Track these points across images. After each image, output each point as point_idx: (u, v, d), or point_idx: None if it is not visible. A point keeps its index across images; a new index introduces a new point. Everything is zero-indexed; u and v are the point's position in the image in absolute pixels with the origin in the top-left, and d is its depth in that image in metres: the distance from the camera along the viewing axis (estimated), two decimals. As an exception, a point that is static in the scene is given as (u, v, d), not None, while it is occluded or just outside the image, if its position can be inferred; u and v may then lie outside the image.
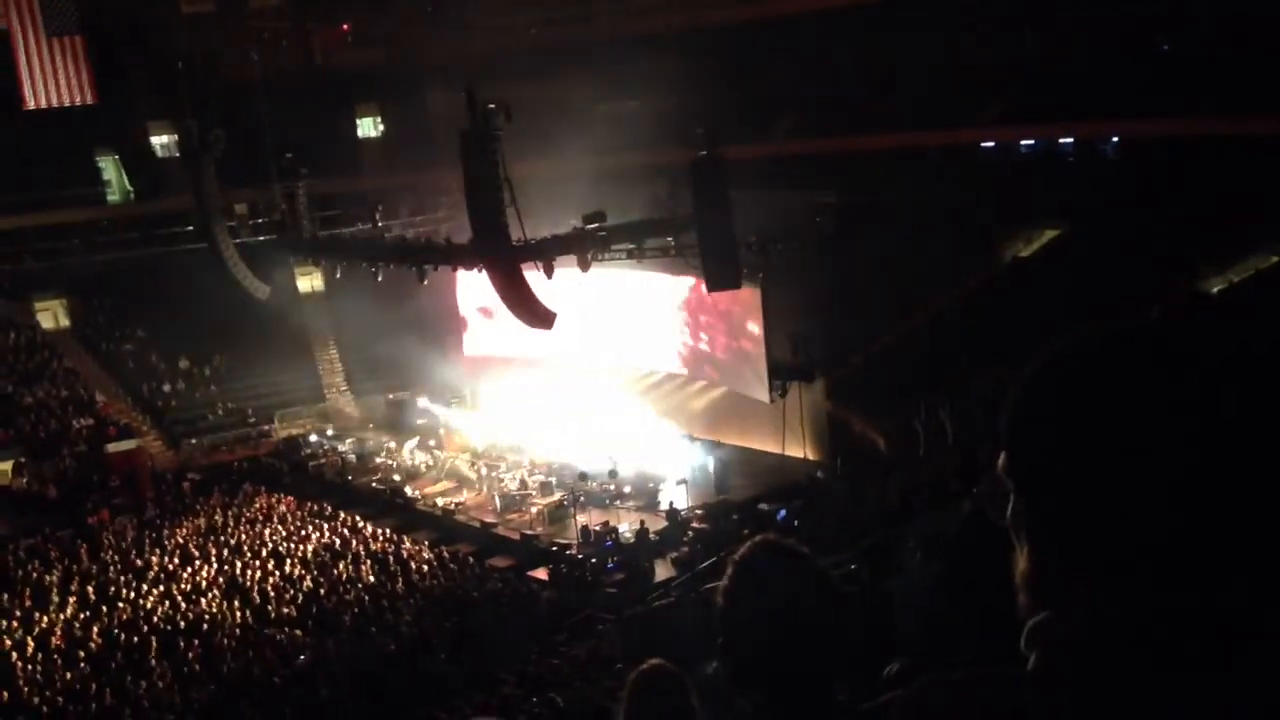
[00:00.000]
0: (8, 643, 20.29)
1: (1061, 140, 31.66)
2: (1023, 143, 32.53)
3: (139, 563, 24.53)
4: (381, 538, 25.39)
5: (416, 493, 28.76)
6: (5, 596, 22.88)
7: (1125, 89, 27.58)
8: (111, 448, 31.02)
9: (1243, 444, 0.94)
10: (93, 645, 20.09)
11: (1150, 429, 0.96)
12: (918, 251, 27.23)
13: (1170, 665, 0.95)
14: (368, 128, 44.63)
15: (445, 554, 24.28)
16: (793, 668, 1.87)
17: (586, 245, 23.29)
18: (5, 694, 18.18)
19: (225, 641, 19.91)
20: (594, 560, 22.94)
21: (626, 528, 24.15)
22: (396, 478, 29.96)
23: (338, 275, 32.46)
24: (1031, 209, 28.99)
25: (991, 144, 32.89)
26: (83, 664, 19.32)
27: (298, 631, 20.22)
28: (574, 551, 23.60)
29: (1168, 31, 28.45)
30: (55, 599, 22.65)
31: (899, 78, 32.34)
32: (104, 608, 21.97)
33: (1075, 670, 0.99)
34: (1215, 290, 23.69)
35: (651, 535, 23.63)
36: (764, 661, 1.90)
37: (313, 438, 33.48)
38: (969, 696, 1.07)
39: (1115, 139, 30.39)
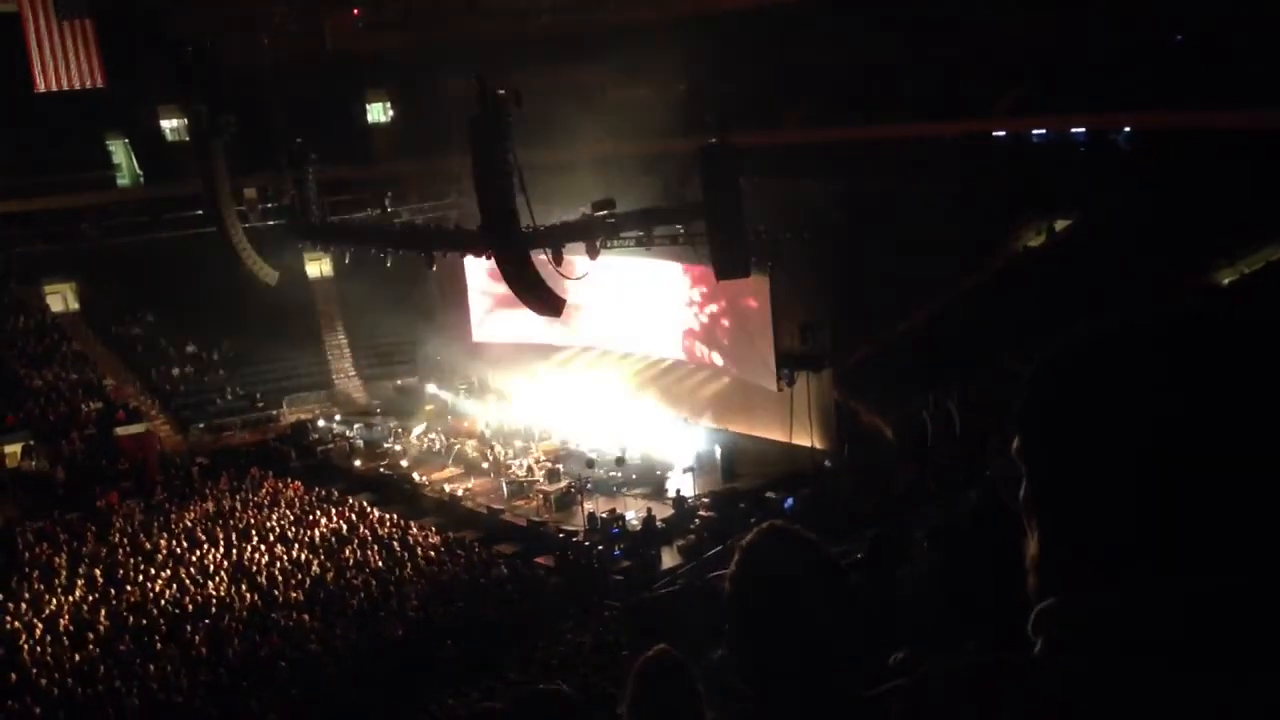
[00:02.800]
0: (16, 625, 20.41)
1: (1074, 130, 31.54)
2: (1035, 133, 32.41)
3: (147, 546, 24.63)
4: (388, 523, 25.47)
5: (424, 478, 28.84)
6: (14, 579, 23.01)
7: (1139, 80, 27.45)
8: (120, 431, 31.13)
9: (1257, 435, 0.94)
10: (101, 628, 20.21)
11: (1165, 417, 0.96)
12: (928, 241, 27.15)
13: (1176, 656, 0.94)
14: (378, 113, 44.59)
15: (452, 540, 24.34)
16: (799, 654, 1.86)
17: (595, 232, 23.27)
18: (13, 675, 18.30)
19: (232, 625, 20.01)
20: (600, 547, 23.00)
21: (633, 515, 24.20)
22: (404, 463, 30.04)
23: (346, 261, 32.49)
24: (1043, 199, 28.89)
25: (1003, 133, 32.77)
26: (91, 646, 19.43)
27: (304, 616, 20.29)
28: (581, 538, 23.66)
29: (1182, 23, 28.29)
30: (63, 581, 22.77)
31: (911, 67, 32.23)
32: (112, 591, 22.09)
33: (1082, 657, 0.98)
34: (1226, 282, 23.62)
35: (658, 523, 23.68)
36: (770, 648, 1.89)
37: (320, 423, 33.57)
38: (975, 683, 1.07)
39: (1128, 129, 30.26)
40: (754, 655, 1.92)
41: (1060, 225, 28.81)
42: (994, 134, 32.81)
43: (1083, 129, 31.31)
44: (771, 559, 1.95)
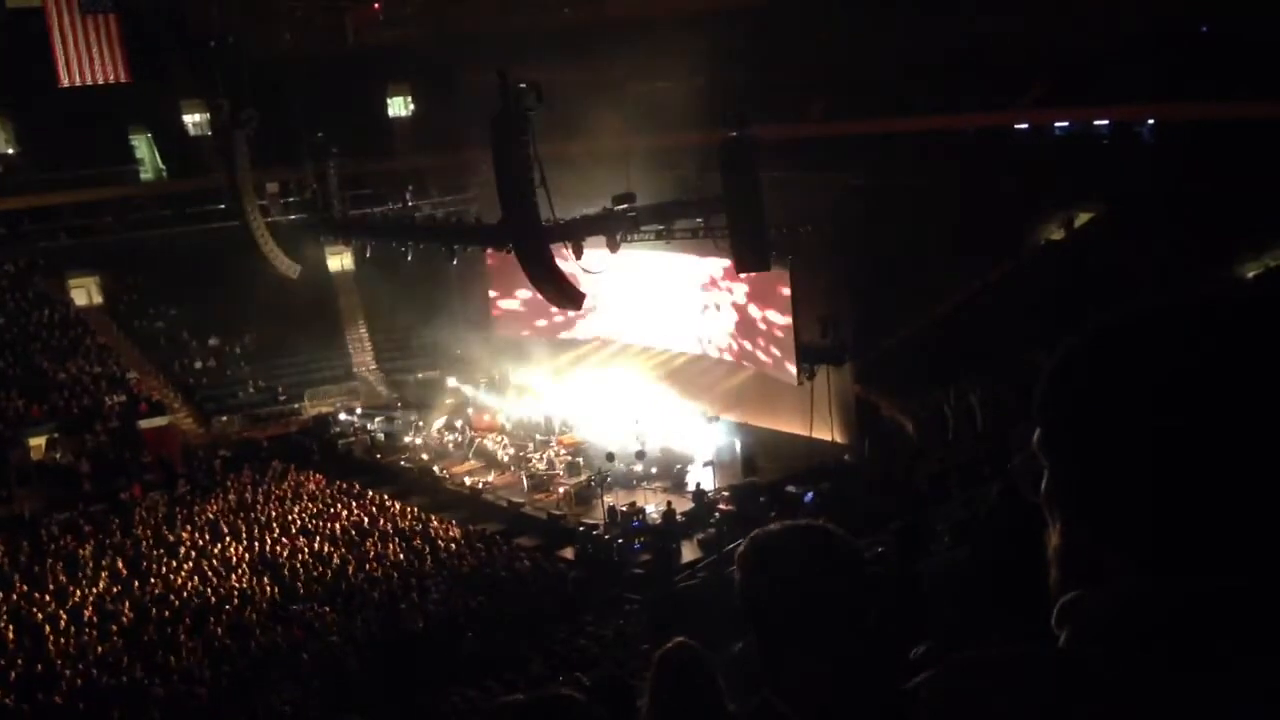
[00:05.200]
0: (41, 615, 20.58)
1: (1097, 123, 31.35)
2: (1057, 125, 32.23)
3: (170, 538, 24.79)
4: (409, 516, 25.55)
5: (444, 472, 28.91)
6: (38, 570, 23.19)
7: (1162, 71, 27.27)
8: (144, 424, 31.33)
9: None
10: (124, 619, 20.34)
11: (1188, 405, 0.94)
12: (950, 235, 27.06)
13: (1203, 649, 0.93)
14: (399, 107, 44.69)
15: (472, 533, 24.40)
16: (819, 646, 1.84)
17: (615, 226, 23.26)
18: (39, 665, 18.45)
19: (254, 617, 20.11)
20: (621, 541, 23.02)
21: (653, 508, 24.20)
22: (425, 457, 30.12)
23: (368, 254, 32.59)
24: (1066, 192, 28.75)
25: (1026, 126, 32.60)
26: (115, 637, 19.57)
27: (326, 608, 20.39)
28: (601, 532, 23.67)
29: (1206, 13, 28.08)
30: (88, 573, 22.94)
31: (933, 59, 32.08)
32: (136, 582, 22.23)
33: (1107, 649, 0.98)
34: (1251, 275, 23.44)
35: (678, 516, 23.68)
36: (788, 641, 1.87)
37: (342, 416, 33.70)
38: (1000, 675, 1.06)
39: (1151, 122, 30.07)
40: (774, 648, 1.90)
41: (1083, 218, 28.66)
42: (1016, 127, 32.64)
43: (1106, 121, 31.12)
44: (783, 550, 1.92)
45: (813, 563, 1.89)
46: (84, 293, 37.56)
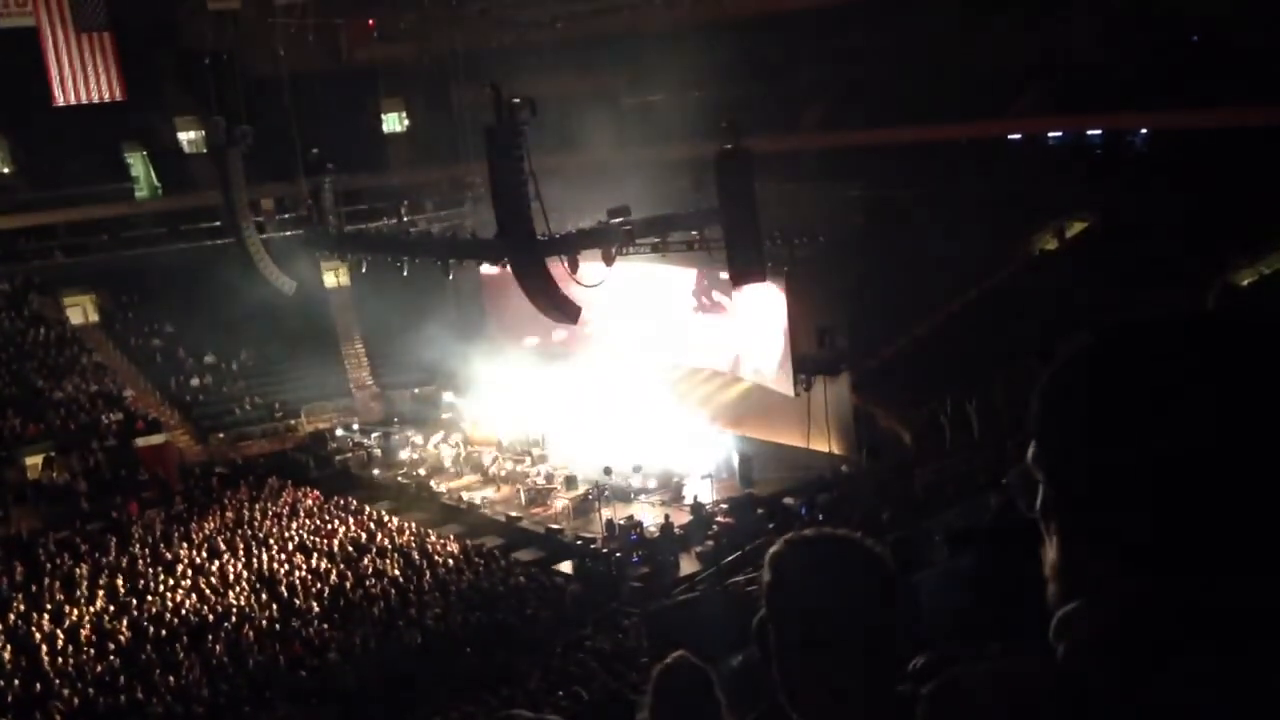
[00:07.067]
0: (38, 635, 20.51)
1: (1090, 132, 31.43)
2: (1051, 135, 32.31)
3: (168, 556, 24.71)
4: (407, 531, 25.50)
5: (442, 487, 28.88)
6: (35, 589, 23.11)
7: (1155, 80, 27.35)
8: (140, 442, 31.26)
9: (1274, 436, 0.92)
10: (122, 638, 20.28)
11: (1182, 418, 0.94)
12: (945, 244, 27.11)
13: (1201, 659, 0.93)
14: (393, 122, 44.79)
15: (470, 548, 24.36)
16: (843, 658, 1.81)
17: (611, 239, 23.28)
18: (37, 685, 18.39)
19: (252, 634, 20.06)
20: (619, 554, 22.99)
21: (651, 522, 24.18)
22: (422, 472, 30.08)
23: (363, 270, 32.60)
24: (1060, 201, 28.80)
25: (1019, 136, 32.67)
26: (112, 656, 19.50)
27: (324, 625, 20.33)
28: (599, 545, 23.65)
29: (1197, 22, 28.17)
30: (85, 591, 22.87)
31: (928, 70, 32.17)
32: (133, 600, 22.16)
33: (1105, 662, 0.98)
34: (1245, 283, 23.49)
35: (676, 529, 23.65)
36: (813, 649, 1.84)
37: (339, 432, 33.67)
38: (999, 687, 1.06)
39: (1144, 130, 30.15)
40: (790, 655, 1.87)
41: (1076, 227, 28.72)
42: (1010, 137, 32.71)
43: (1099, 130, 31.20)
44: (815, 558, 1.90)
45: (847, 573, 1.87)
46: (80, 311, 37.53)
